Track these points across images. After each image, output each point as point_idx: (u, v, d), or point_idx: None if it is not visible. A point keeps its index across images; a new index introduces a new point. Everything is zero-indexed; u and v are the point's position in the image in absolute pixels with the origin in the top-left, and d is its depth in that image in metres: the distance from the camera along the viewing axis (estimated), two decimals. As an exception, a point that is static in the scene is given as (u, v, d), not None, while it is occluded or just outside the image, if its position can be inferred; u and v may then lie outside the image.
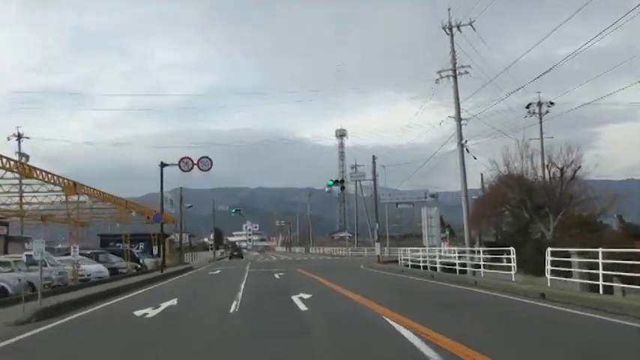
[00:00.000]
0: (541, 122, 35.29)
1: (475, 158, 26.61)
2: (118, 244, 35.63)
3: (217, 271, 31.38)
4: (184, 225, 55.83)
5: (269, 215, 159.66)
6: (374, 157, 38.10)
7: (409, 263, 28.48)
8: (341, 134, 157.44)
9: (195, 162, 26.66)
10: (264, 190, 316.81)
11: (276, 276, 24.59)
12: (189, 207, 43.16)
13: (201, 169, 26.42)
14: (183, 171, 26.60)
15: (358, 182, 56.24)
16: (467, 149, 26.16)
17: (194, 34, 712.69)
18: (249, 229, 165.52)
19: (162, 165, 27.41)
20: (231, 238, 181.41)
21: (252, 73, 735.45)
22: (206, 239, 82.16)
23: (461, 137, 26.13)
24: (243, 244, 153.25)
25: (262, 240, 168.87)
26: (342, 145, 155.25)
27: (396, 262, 33.41)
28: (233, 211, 51.75)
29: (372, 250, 61.19)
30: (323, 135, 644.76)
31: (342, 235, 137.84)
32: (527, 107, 35.29)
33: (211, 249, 73.01)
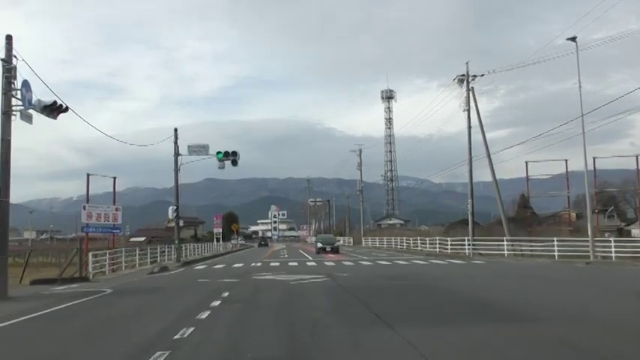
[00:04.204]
0: None
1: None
2: None
3: None
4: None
5: (299, 205, 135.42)
6: None
7: None
8: (388, 96, 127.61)
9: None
10: (293, 180, 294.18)
11: None
12: (62, 109, 14.15)
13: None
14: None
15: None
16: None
17: (222, 25, 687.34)
18: (275, 215, 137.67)
19: None
20: (255, 227, 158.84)
21: (280, 63, 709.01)
22: (216, 229, 63.47)
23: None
24: (268, 234, 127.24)
25: (291, 229, 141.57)
26: (389, 110, 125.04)
27: None
28: (220, 156, 23.06)
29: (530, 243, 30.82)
30: (352, 125, 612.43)
31: (392, 222, 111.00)
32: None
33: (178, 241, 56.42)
